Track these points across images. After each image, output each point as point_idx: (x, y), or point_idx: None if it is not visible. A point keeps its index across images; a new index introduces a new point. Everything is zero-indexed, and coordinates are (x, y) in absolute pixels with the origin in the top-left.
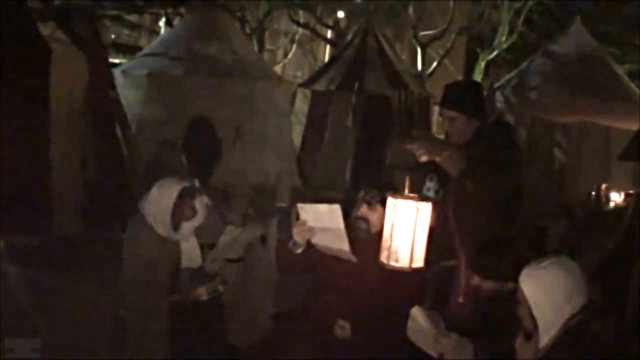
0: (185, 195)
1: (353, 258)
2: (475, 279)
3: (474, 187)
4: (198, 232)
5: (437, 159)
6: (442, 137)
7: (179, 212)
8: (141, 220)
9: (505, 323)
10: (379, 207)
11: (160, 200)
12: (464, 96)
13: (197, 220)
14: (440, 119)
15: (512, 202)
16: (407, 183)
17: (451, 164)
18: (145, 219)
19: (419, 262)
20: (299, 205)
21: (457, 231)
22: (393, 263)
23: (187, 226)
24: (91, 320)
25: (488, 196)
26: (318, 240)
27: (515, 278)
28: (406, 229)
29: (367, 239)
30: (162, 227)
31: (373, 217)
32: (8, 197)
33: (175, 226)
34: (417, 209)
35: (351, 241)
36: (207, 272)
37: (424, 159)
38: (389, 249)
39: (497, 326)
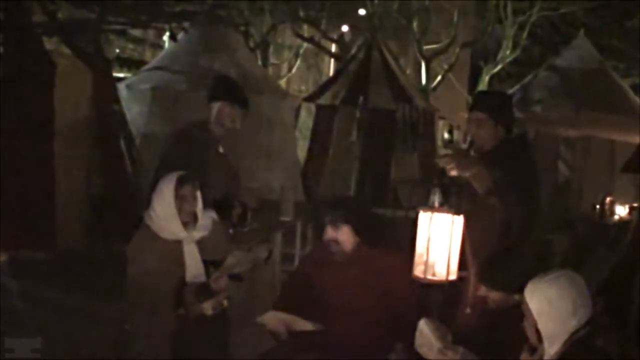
0: (184, 182)
1: None
2: (483, 290)
3: (498, 205)
4: (202, 247)
5: (466, 174)
6: (449, 152)
7: (181, 197)
8: (146, 233)
9: (511, 336)
10: (343, 227)
11: (162, 189)
12: (494, 102)
13: (202, 229)
14: (446, 134)
15: (528, 217)
16: (436, 197)
17: (479, 181)
18: (150, 231)
19: (452, 275)
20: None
21: (469, 243)
22: (430, 277)
23: (191, 235)
24: (95, 334)
25: (509, 213)
26: None
27: (521, 291)
28: (442, 242)
29: (344, 259)
30: (170, 220)
31: (342, 236)
32: (12, 212)
33: (181, 217)
34: (453, 222)
35: (330, 264)
36: (212, 288)
37: (453, 173)
38: (425, 263)
39: (503, 339)
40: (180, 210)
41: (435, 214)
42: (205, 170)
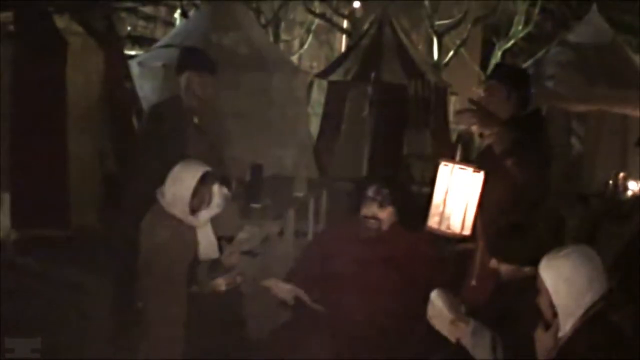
0: (207, 180)
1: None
2: (493, 262)
3: (513, 168)
4: (215, 223)
5: (486, 132)
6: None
7: (199, 195)
8: (158, 210)
9: (522, 309)
10: (388, 207)
11: (182, 179)
12: (510, 72)
13: (213, 210)
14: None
15: (540, 189)
16: (458, 151)
17: (497, 141)
18: (163, 209)
19: (467, 231)
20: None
21: (480, 213)
22: (444, 229)
23: (204, 214)
24: (107, 312)
25: (523, 180)
26: None
27: (533, 264)
28: (460, 196)
29: (377, 237)
30: (180, 209)
31: (383, 215)
32: (26, 191)
33: (193, 210)
34: (473, 177)
35: (361, 239)
36: (224, 264)
37: (474, 128)
38: (441, 214)
39: (513, 312)
40: (192, 201)
41: (457, 167)
42: (183, 143)
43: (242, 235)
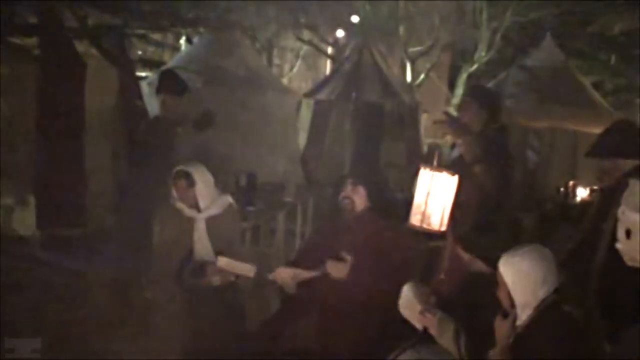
0: (176, 177)
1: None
2: (460, 250)
3: (482, 174)
4: (214, 225)
5: (458, 141)
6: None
7: (178, 191)
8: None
9: (480, 298)
10: (360, 189)
11: None
12: (481, 90)
13: (212, 209)
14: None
15: (503, 192)
16: (435, 157)
17: (468, 150)
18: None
19: (443, 227)
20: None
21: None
22: (425, 226)
23: (203, 213)
24: (121, 303)
25: (490, 184)
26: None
27: (487, 259)
28: (440, 197)
29: (354, 218)
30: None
31: (356, 197)
32: (50, 195)
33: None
34: (450, 180)
35: (341, 224)
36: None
37: (447, 138)
38: (422, 213)
39: (473, 301)
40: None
41: (436, 172)
42: (170, 151)
43: (220, 263)
